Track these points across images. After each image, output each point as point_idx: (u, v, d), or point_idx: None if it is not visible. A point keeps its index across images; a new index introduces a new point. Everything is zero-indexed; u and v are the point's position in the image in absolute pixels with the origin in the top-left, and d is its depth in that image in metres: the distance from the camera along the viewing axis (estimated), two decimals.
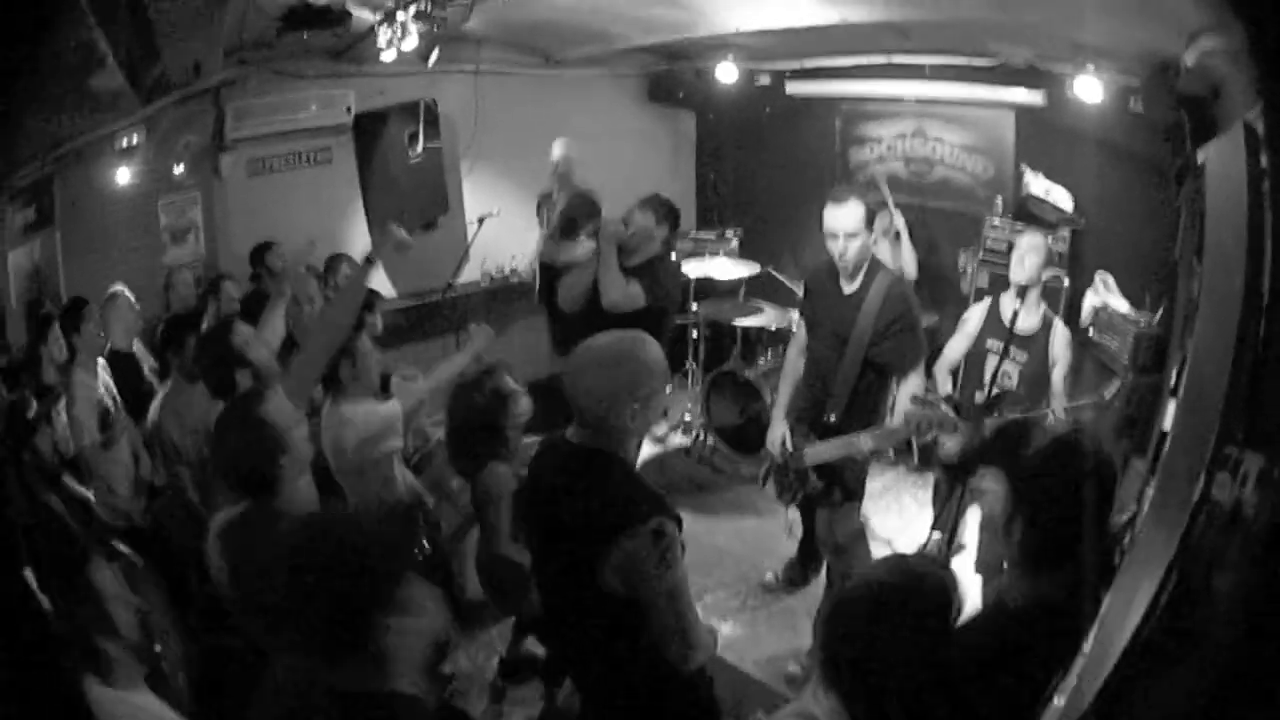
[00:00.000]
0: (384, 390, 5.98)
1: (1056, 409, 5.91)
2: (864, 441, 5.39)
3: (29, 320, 6.58)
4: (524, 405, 4.97)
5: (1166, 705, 3.03)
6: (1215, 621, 3.20)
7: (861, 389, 5.55)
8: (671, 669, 3.36)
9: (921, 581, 2.64)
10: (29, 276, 6.98)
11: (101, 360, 6.17)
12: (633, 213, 6.50)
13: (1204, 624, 3.31)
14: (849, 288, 5.52)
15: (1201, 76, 4.94)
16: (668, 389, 3.45)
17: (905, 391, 5.50)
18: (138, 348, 6.83)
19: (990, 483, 5.32)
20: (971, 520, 6.30)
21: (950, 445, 5.86)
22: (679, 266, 7.98)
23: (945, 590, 2.65)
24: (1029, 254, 6.00)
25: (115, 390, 6.13)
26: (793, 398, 5.97)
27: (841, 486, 5.71)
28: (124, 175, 7.38)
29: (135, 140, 7.23)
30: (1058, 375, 6.03)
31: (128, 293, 6.88)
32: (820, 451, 5.56)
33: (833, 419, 5.56)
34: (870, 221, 5.42)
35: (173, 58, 6.14)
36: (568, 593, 3.49)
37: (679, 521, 3.29)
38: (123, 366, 6.53)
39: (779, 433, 5.85)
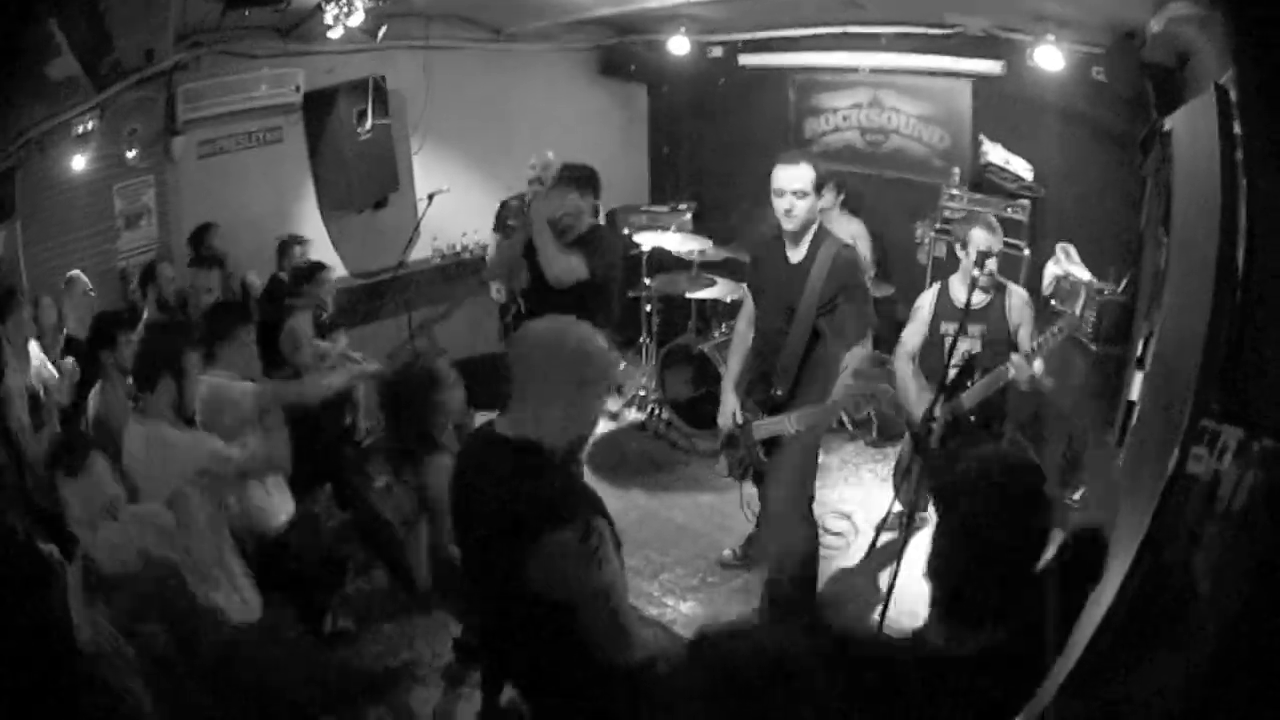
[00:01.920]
0: None
1: (1018, 358, 5.77)
2: (798, 419, 5.33)
3: None
4: (459, 395, 4.86)
5: (1144, 687, 2.98)
6: (1193, 600, 3.15)
7: (809, 361, 5.45)
8: (610, 667, 3.24)
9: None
10: None
11: (35, 345, 6.11)
12: (553, 191, 6.38)
13: (1181, 603, 3.26)
14: (795, 256, 5.42)
15: (1168, 44, 4.92)
16: (612, 385, 3.29)
17: (850, 362, 5.38)
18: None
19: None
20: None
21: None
22: (617, 232, 7.85)
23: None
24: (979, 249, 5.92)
25: (51, 375, 6.12)
26: (742, 370, 5.88)
27: (790, 461, 5.58)
28: (80, 162, 7.27)
29: (91, 126, 7.11)
30: (1024, 336, 5.94)
31: (84, 278, 6.88)
32: (766, 426, 5.50)
33: (780, 392, 5.49)
34: (819, 187, 5.29)
35: (125, 43, 6.12)
36: (497, 591, 3.32)
37: (610, 521, 3.15)
38: (77, 352, 6.49)
39: (729, 406, 5.78)
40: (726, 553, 6.96)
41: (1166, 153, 5.26)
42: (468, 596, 4.66)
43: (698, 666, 2.22)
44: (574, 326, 3.33)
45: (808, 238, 5.37)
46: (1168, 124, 5.23)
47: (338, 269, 9.15)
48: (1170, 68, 5.04)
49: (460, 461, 3.48)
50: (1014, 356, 5.67)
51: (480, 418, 4.55)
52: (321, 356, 6.85)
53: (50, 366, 6.17)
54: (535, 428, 3.15)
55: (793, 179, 5.20)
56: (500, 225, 8.54)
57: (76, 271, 6.90)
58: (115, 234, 7.80)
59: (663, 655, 3.18)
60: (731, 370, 5.92)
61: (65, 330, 6.64)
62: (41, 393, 5.90)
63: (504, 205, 8.49)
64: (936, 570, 2.63)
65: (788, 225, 5.32)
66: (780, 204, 5.26)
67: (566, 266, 6.06)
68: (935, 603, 2.65)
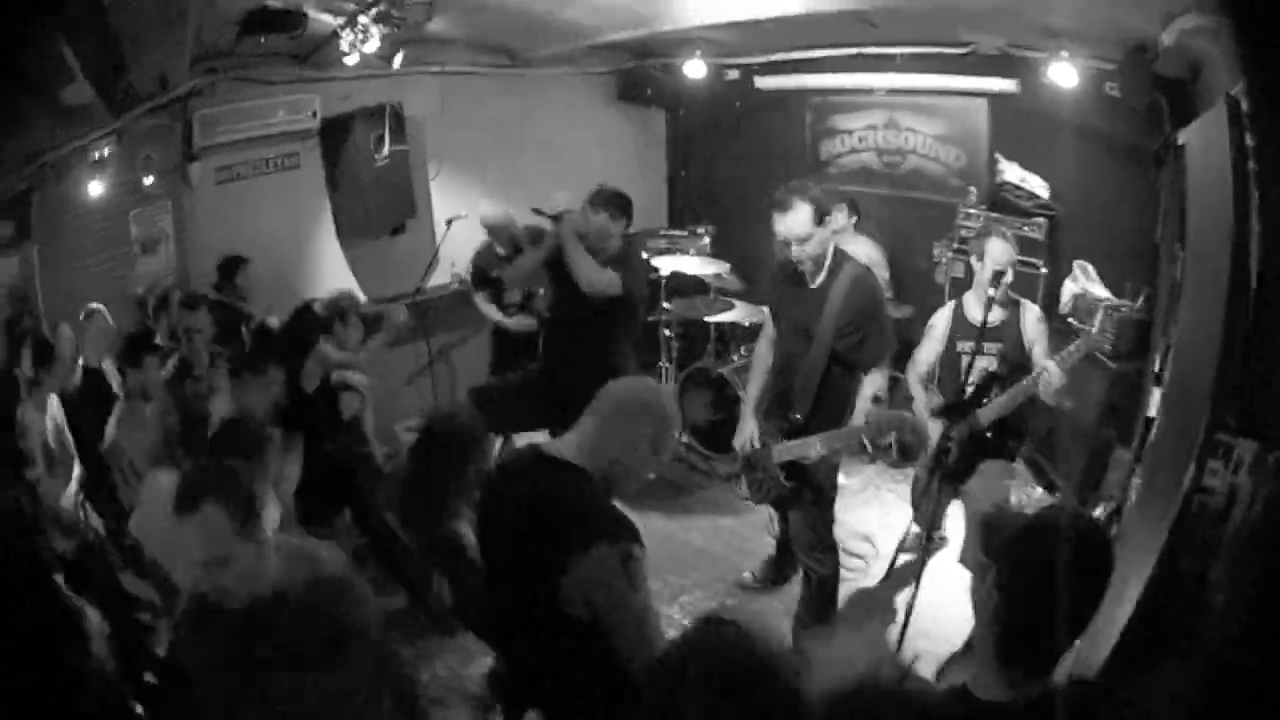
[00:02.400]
0: None
1: (1045, 370, 5.75)
2: (821, 443, 5.32)
3: (8, 338, 6.49)
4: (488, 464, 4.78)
5: (1158, 701, 2.96)
6: (1207, 613, 3.14)
7: (828, 384, 5.45)
8: (635, 688, 3.23)
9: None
10: (8, 294, 6.92)
11: (54, 398, 6.12)
12: (585, 211, 6.41)
13: (1196, 616, 3.24)
14: (815, 281, 5.41)
15: (1180, 56, 4.91)
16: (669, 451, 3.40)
17: (869, 387, 5.41)
18: (106, 365, 6.74)
19: (979, 482, 5.28)
20: (954, 514, 6.26)
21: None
22: (642, 257, 7.87)
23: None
24: (995, 263, 5.91)
25: (63, 426, 6.10)
26: (762, 393, 5.87)
27: (810, 486, 5.61)
28: (97, 188, 7.29)
29: (107, 152, 7.14)
30: (1039, 354, 5.92)
31: (105, 312, 6.88)
32: (786, 450, 5.48)
33: (798, 416, 5.48)
34: (821, 218, 5.21)
35: (139, 69, 6.10)
36: (528, 609, 3.35)
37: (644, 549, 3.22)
38: (91, 384, 6.51)
39: (748, 430, 5.77)
40: (746, 575, 6.94)
41: (1180, 166, 5.25)
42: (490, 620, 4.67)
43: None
44: (659, 392, 3.51)
45: (826, 263, 5.36)
46: (1181, 137, 5.22)
47: (357, 294, 9.22)
48: (1183, 81, 5.03)
49: (500, 475, 3.56)
50: (1049, 365, 5.64)
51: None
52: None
53: (64, 423, 6.15)
54: (590, 459, 3.26)
55: (790, 227, 5.16)
56: (480, 281, 8.62)
57: (98, 305, 6.89)
58: (131, 260, 7.82)
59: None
60: (751, 393, 5.92)
61: (81, 361, 6.61)
62: (53, 444, 5.91)
63: (477, 254, 8.63)
64: (1000, 619, 2.52)
65: (801, 268, 5.34)
66: (790, 252, 5.25)
67: (604, 279, 6.11)
68: (999, 652, 2.51)
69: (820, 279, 5.38)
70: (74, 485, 5.97)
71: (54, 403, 6.05)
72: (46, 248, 7.15)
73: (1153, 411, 5.69)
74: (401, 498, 4.96)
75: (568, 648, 3.24)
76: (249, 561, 3.56)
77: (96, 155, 7.08)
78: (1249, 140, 3.29)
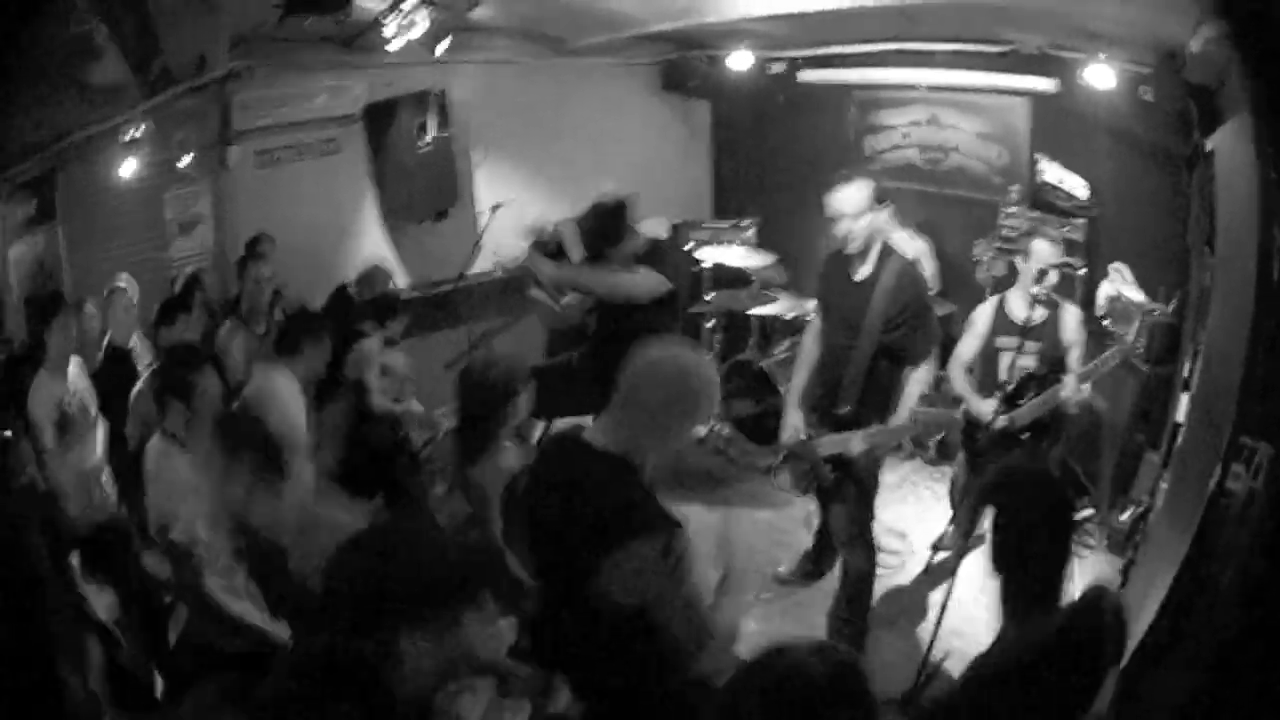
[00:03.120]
0: None
1: (1070, 381, 5.80)
2: (867, 439, 5.33)
3: (29, 314, 6.55)
4: (529, 399, 4.84)
5: (1172, 699, 3.00)
6: (1219, 614, 3.16)
7: (874, 378, 5.44)
8: (675, 675, 3.26)
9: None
10: (32, 270, 6.97)
11: (76, 361, 6.03)
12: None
13: (1210, 617, 3.27)
14: (861, 273, 5.41)
15: (1206, 63, 4.89)
16: (711, 417, 3.37)
17: (915, 381, 5.40)
18: (135, 343, 6.77)
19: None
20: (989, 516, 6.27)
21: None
22: (678, 249, 7.87)
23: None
24: (1040, 263, 5.94)
25: (86, 393, 6.03)
26: (807, 386, 5.87)
27: (853, 479, 5.60)
28: (129, 168, 7.32)
29: (140, 133, 7.14)
30: (1074, 358, 5.96)
31: (130, 288, 6.84)
32: (831, 443, 5.48)
33: (845, 409, 5.47)
34: (876, 201, 5.27)
35: (175, 50, 6.13)
36: (569, 597, 3.36)
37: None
38: (119, 363, 6.52)
39: (793, 422, 5.76)
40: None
41: (1209, 172, 5.23)
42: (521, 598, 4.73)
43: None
44: (689, 356, 3.42)
45: (872, 255, 5.37)
46: (1210, 143, 5.21)
47: (398, 279, 9.28)
48: (1211, 88, 5.01)
49: (541, 464, 3.57)
50: (1066, 378, 5.69)
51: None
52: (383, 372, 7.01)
53: (89, 386, 6.09)
54: (628, 444, 3.24)
55: (846, 201, 5.20)
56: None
57: (123, 281, 6.87)
58: (166, 241, 7.91)
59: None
60: (796, 386, 5.92)
61: (109, 339, 6.67)
62: (75, 411, 5.83)
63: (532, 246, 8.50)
64: (1010, 563, 3.02)
65: (848, 248, 5.33)
66: (840, 229, 5.27)
67: (646, 285, 6.23)
68: (1019, 594, 2.99)
69: (867, 271, 5.39)
70: (98, 455, 5.93)
71: (75, 366, 5.98)
72: (72, 227, 7.22)
73: (1180, 416, 5.69)
74: (451, 441, 4.97)
75: (607, 630, 3.24)
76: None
77: (128, 136, 7.10)
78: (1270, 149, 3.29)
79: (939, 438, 8.17)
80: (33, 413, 5.53)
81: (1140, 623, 3.53)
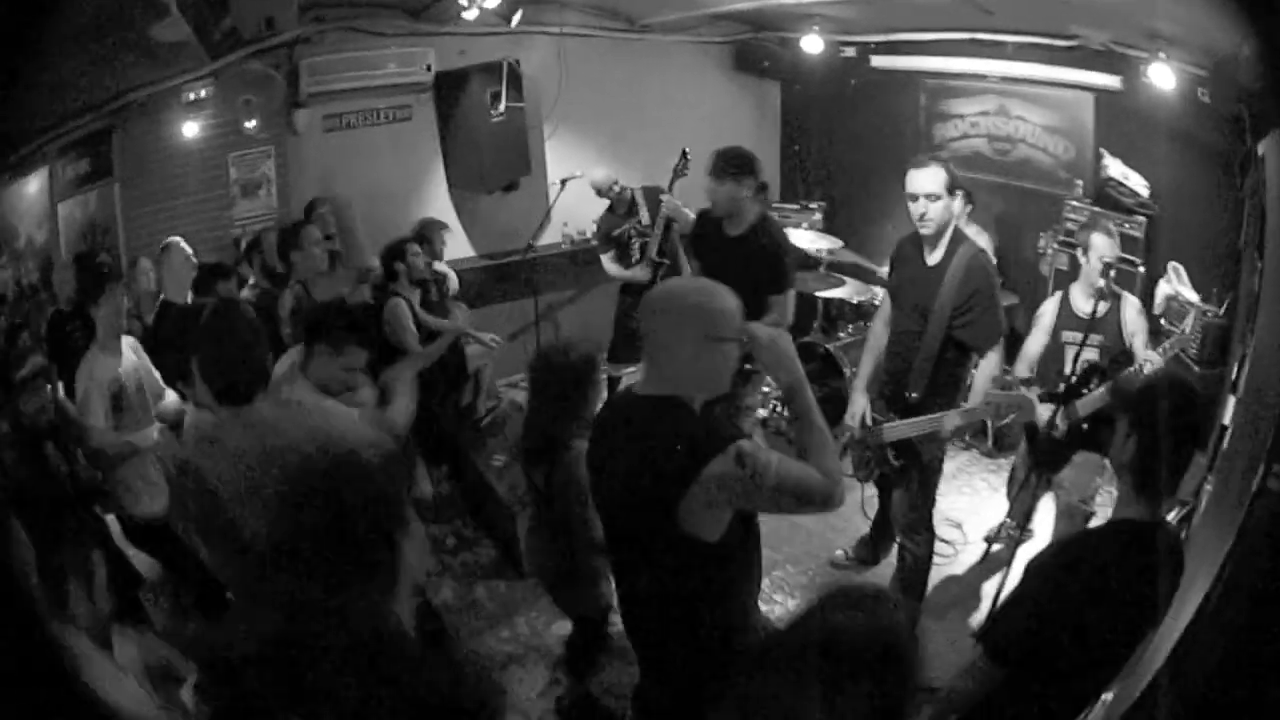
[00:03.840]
0: None
1: (1144, 367, 5.80)
2: (944, 422, 5.35)
3: (80, 272, 6.49)
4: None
5: (1198, 698, 3.06)
6: (1241, 606, 3.21)
7: (943, 365, 5.47)
8: (740, 636, 3.31)
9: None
10: (83, 229, 7.05)
11: (131, 342, 5.75)
12: (709, 183, 6.45)
13: (1235, 615, 3.32)
14: (932, 258, 5.46)
15: (1259, 69, 4.88)
16: (739, 338, 3.32)
17: (984, 369, 5.45)
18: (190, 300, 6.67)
19: (1072, 473, 5.49)
20: (1044, 509, 6.30)
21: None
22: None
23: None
24: (1099, 256, 5.95)
25: (145, 374, 5.76)
26: (874, 371, 5.90)
27: (919, 466, 5.64)
28: (191, 129, 7.44)
29: (204, 94, 7.29)
30: (1139, 346, 5.93)
31: (184, 245, 6.79)
32: (899, 429, 5.49)
33: (914, 395, 5.48)
34: (952, 189, 5.32)
35: (243, 11, 6.15)
36: (645, 546, 3.36)
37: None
38: (174, 318, 6.43)
39: (859, 407, 5.79)
40: (839, 553, 6.97)
41: (1261, 176, 5.22)
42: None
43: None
44: (694, 283, 3.51)
45: (944, 240, 5.42)
46: (1261, 148, 5.20)
47: (466, 248, 9.46)
48: (1263, 93, 4.99)
49: (600, 425, 3.57)
50: (1152, 356, 5.71)
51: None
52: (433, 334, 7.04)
53: (148, 363, 5.81)
54: (672, 386, 3.24)
55: (924, 183, 5.24)
56: (605, 241, 8.53)
57: (176, 238, 6.79)
58: (230, 202, 7.97)
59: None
60: (864, 371, 5.94)
61: (163, 296, 6.65)
62: (133, 392, 5.55)
63: (602, 218, 8.55)
64: (1134, 462, 3.29)
65: (923, 229, 5.37)
66: (915, 208, 5.32)
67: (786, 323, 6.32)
68: (1139, 486, 3.29)
69: (938, 256, 5.43)
70: (154, 438, 5.60)
71: (129, 345, 5.70)
72: (131, 186, 7.29)
73: (1227, 419, 5.68)
74: (525, 429, 4.94)
75: (681, 576, 3.25)
76: None
77: (192, 95, 7.22)
78: None
79: (1004, 422, 8.23)
80: (83, 388, 5.34)
81: (1180, 618, 3.58)
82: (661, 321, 3.27)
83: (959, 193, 6.17)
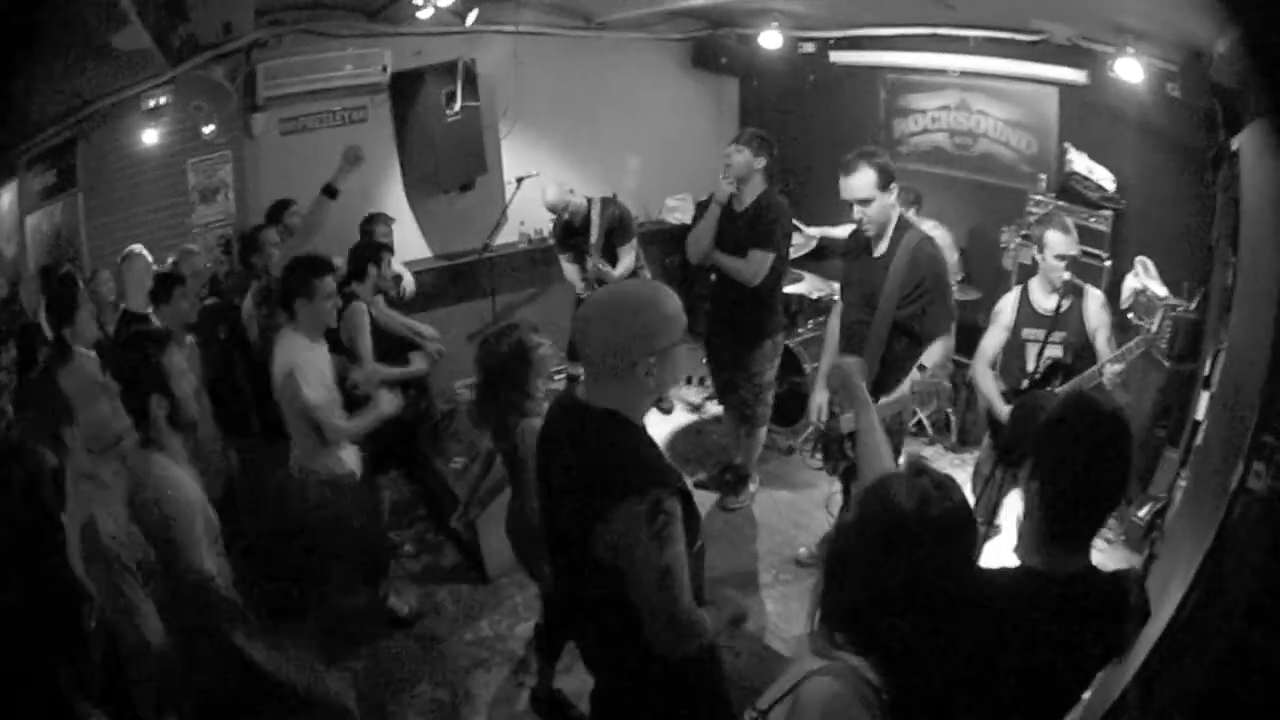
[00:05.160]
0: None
1: (1105, 367, 5.72)
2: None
3: (44, 283, 6.52)
4: (549, 359, 4.87)
5: (1186, 696, 3.00)
6: (1232, 612, 3.15)
7: (892, 354, 5.53)
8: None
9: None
10: (49, 240, 6.98)
11: (90, 354, 5.73)
12: (730, 150, 7.01)
13: (1224, 615, 3.26)
14: (878, 249, 5.56)
15: (1231, 65, 4.85)
16: (686, 346, 3.13)
17: (931, 356, 5.42)
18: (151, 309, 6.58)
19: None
20: (1011, 505, 6.24)
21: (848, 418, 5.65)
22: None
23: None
24: (1054, 253, 5.89)
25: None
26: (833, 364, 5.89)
27: None
28: (151, 136, 7.39)
29: (163, 101, 7.23)
30: (1101, 341, 5.86)
31: (145, 253, 6.81)
32: (849, 420, 5.50)
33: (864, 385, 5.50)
34: (885, 184, 5.38)
35: (202, 17, 6.13)
36: (569, 556, 3.30)
37: (685, 495, 3.06)
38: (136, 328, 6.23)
39: (818, 400, 5.89)
40: (803, 550, 6.98)
41: (1234, 171, 5.20)
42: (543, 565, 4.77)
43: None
44: (633, 290, 3.35)
45: (889, 231, 5.50)
46: (1235, 143, 5.16)
47: (423, 249, 9.41)
48: (1236, 89, 4.97)
49: (545, 426, 3.44)
50: (1098, 367, 5.64)
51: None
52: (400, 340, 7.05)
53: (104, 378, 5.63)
54: (612, 400, 3.11)
55: (853, 189, 5.37)
56: (563, 243, 8.58)
57: (137, 247, 6.82)
58: (189, 208, 7.90)
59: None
60: (824, 364, 6.06)
61: (123, 306, 6.56)
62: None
63: (559, 219, 8.51)
64: (1037, 505, 2.84)
65: (865, 231, 5.51)
66: (855, 213, 5.46)
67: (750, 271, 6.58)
68: (1042, 534, 2.84)
69: (884, 247, 5.52)
70: None
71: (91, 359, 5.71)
72: (93, 195, 7.21)
73: (1200, 414, 5.65)
74: (475, 407, 5.03)
75: (601, 596, 3.15)
76: None
77: (151, 103, 7.16)
78: None
79: (929, 410, 8.22)
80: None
81: (1159, 618, 3.52)
82: (596, 332, 3.08)
83: (894, 185, 6.22)
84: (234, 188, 8.18)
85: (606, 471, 3.02)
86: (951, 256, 8.33)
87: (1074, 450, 2.77)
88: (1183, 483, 5.86)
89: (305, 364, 5.27)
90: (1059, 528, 2.80)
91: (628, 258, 8.17)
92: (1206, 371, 5.74)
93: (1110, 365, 5.56)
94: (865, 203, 5.36)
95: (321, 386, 5.34)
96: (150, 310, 6.44)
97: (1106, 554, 6.53)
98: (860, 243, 5.68)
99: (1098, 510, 2.85)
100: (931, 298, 5.41)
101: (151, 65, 6.57)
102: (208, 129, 7.77)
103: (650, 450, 3.17)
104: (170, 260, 6.97)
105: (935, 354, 5.44)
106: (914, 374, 5.34)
